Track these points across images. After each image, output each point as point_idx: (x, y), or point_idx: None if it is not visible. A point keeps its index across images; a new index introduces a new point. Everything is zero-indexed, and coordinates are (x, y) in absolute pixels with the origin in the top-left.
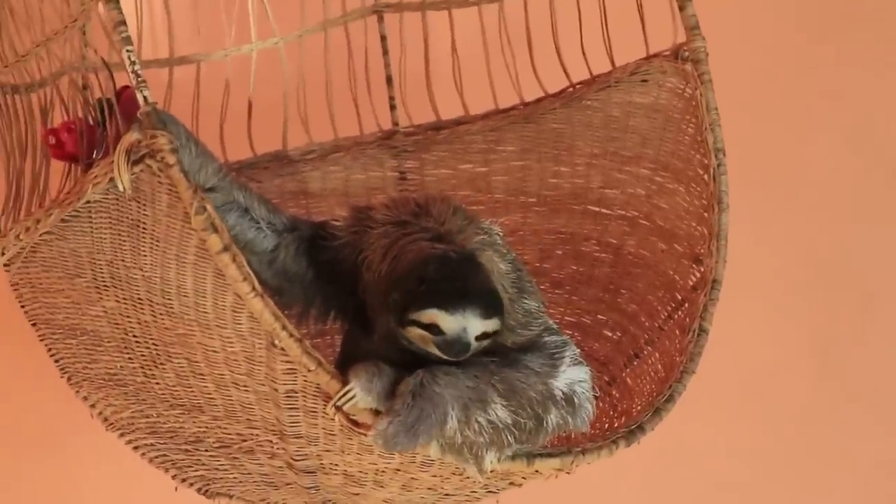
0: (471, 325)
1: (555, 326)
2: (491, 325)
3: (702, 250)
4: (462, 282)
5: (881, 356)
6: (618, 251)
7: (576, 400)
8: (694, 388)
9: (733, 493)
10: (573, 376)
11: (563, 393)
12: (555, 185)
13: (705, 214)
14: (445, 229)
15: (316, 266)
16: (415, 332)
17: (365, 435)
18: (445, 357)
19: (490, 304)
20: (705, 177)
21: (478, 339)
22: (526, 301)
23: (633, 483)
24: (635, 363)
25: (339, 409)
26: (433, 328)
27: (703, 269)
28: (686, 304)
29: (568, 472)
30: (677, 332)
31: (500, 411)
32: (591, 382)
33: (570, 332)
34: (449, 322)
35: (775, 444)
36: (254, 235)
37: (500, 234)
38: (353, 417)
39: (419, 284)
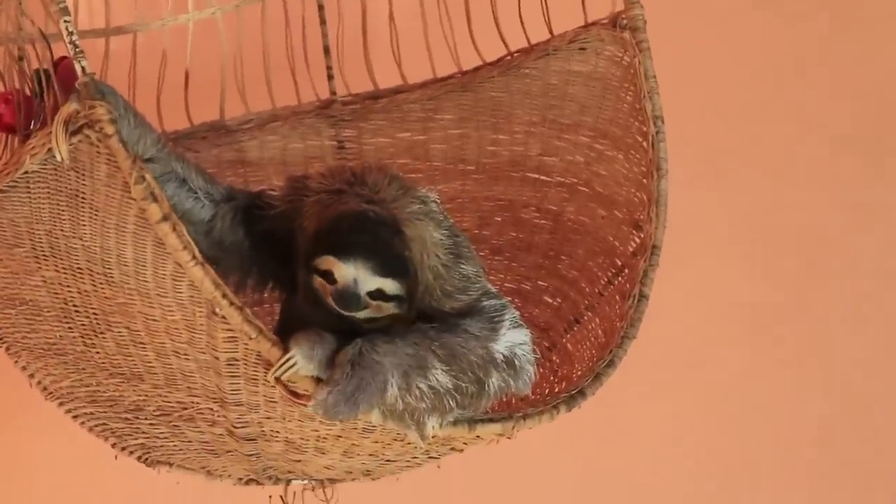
0: (361, 277)
1: (494, 290)
2: (388, 285)
3: (641, 216)
4: (363, 235)
5: (820, 322)
6: (557, 218)
7: (517, 363)
8: (634, 353)
9: (673, 457)
10: (513, 339)
11: (504, 356)
12: (493, 152)
13: (644, 181)
14: (379, 197)
15: (252, 236)
16: (317, 281)
17: (305, 406)
18: (339, 310)
19: (387, 262)
20: (644, 144)
21: (372, 296)
22: (463, 266)
23: (573, 448)
24: (576, 329)
25: (278, 380)
26: (329, 276)
27: (642, 235)
28: (626, 270)
29: (509, 438)
30: (617, 297)
31: (440, 377)
32: (531, 345)
33: (511, 299)
34: (342, 270)
35: (715, 408)
36: (191, 206)
37: (438, 201)
38: (293, 388)
39: (329, 229)
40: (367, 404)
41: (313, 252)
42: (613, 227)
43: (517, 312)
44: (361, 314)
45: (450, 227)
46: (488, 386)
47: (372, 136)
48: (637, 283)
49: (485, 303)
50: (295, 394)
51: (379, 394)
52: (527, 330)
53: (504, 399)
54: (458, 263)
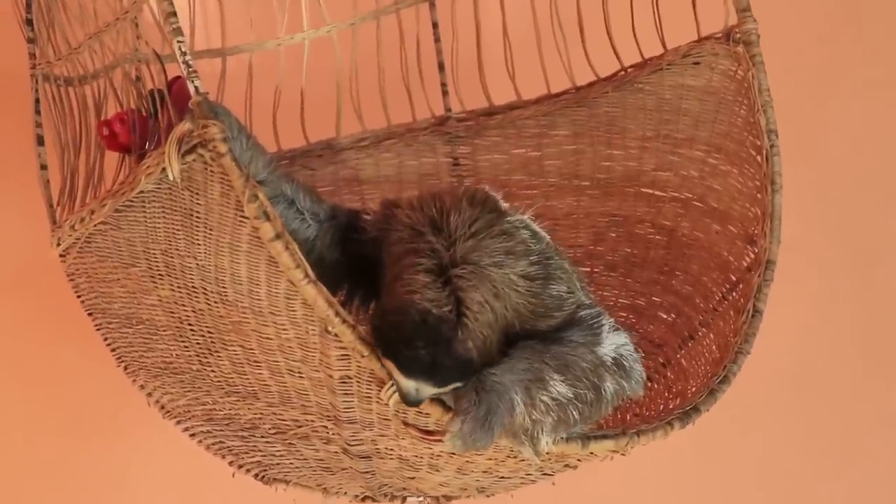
0: (421, 388)
1: (587, 301)
2: (451, 387)
3: (755, 231)
4: (422, 348)
5: None
6: (672, 233)
7: (625, 363)
8: (748, 368)
9: (784, 471)
10: (616, 341)
11: (612, 358)
12: (608, 168)
13: (758, 195)
14: (451, 257)
15: (349, 260)
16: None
17: (440, 441)
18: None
19: (446, 374)
20: (758, 158)
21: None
22: (553, 287)
23: (684, 462)
24: (690, 345)
25: (408, 423)
26: (392, 376)
27: (756, 250)
28: (740, 285)
29: (623, 454)
30: (732, 313)
31: (559, 386)
32: (632, 345)
33: (625, 315)
34: (402, 381)
35: (829, 424)
36: (297, 226)
37: (529, 225)
38: (426, 427)
39: (391, 333)
40: (501, 426)
41: (379, 341)
42: (728, 243)
43: (612, 319)
44: None
45: (540, 251)
46: (604, 391)
47: (487, 152)
48: (751, 299)
49: (581, 313)
50: (428, 432)
51: (509, 413)
52: (625, 332)
53: (619, 415)
54: (546, 287)
